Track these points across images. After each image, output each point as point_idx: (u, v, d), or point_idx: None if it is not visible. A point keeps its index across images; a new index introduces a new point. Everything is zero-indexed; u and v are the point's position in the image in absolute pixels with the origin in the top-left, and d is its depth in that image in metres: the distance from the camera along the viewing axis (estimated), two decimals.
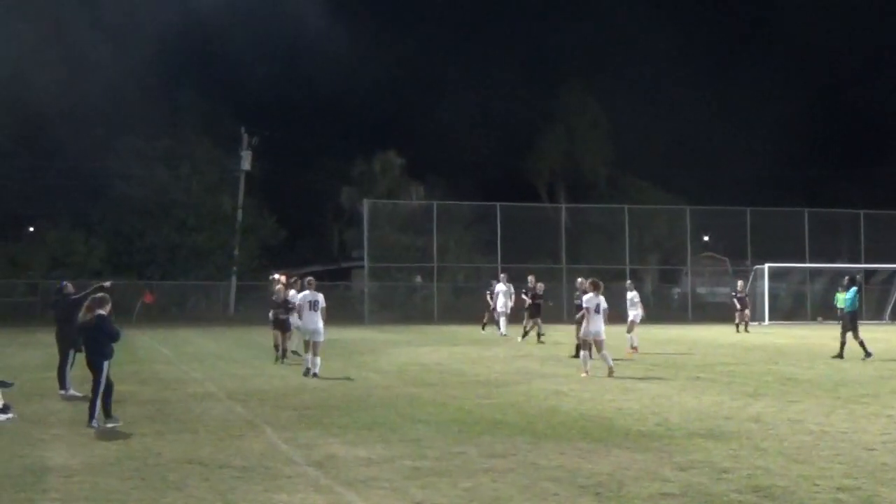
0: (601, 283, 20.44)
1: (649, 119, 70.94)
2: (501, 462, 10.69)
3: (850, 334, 24.71)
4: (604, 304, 19.96)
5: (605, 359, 19.69)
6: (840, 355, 24.53)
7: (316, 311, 19.95)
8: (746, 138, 77.44)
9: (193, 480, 9.79)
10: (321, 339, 20.02)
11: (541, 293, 32.45)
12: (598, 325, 19.74)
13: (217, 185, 58.65)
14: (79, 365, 17.23)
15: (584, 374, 19.65)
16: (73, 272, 46.10)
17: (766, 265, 48.39)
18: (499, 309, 35.07)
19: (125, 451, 11.42)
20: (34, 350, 27.27)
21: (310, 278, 21.29)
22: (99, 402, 13.31)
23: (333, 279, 58.00)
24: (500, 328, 34.88)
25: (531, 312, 32.20)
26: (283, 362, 22.75)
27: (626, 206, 55.44)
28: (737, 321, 38.56)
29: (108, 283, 18.00)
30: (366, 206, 52.70)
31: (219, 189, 58.63)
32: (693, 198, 58.49)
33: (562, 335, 32.17)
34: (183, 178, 57.19)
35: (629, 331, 26.84)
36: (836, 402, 15.68)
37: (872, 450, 11.33)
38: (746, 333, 36.34)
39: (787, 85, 77.88)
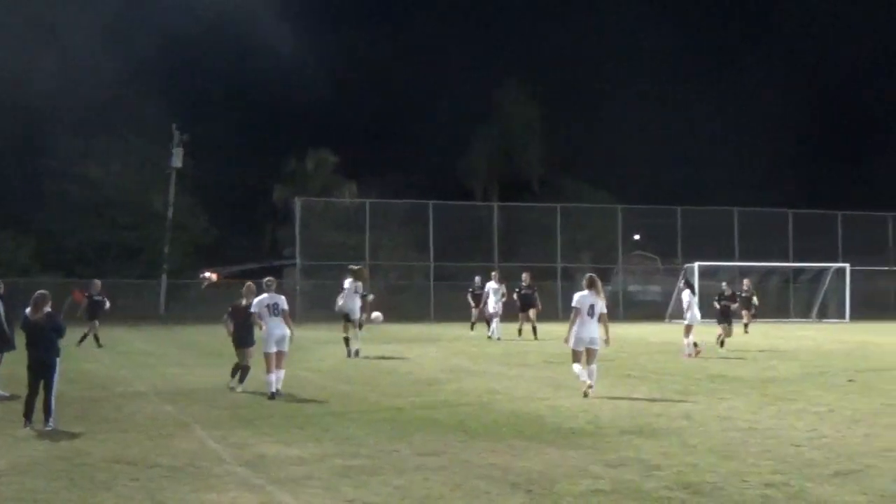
0: (597, 279, 16.92)
1: (587, 119, 71.63)
2: (433, 460, 10.70)
3: None
4: (601, 307, 16.58)
5: (590, 374, 16.31)
6: None
7: (278, 315, 17.02)
8: (684, 139, 78.26)
9: (122, 480, 9.68)
10: (287, 348, 17.17)
11: (530, 289, 33.77)
12: (592, 331, 16.39)
13: (148, 182, 57.98)
14: (6, 364, 16.95)
15: (585, 391, 16.20)
16: None
17: (696, 263, 48.87)
18: (490, 310, 33.10)
19: (53, 451, 11.26)
20: None
21: (269, 279, 18.19)
22: (53, 401, 13.10)
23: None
24: (490, 329, 33.00)
25: (522, 308, 33.55)
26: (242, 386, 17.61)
27: (558, 205, 55.78)
28: (745, 321, 36.65)
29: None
30: (298, 204, 52.48)
31: (150, 187, 57.97)
32: (628, 198, 58.95)
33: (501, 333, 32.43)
34: (114, 176, 56.48)
35: (686, 334, 25.15)
36: (765, 399, 15.89)
37: (800, 446, 11.50)
38: (746, 334, 35.12)
39: (728, 82, 78.91)
